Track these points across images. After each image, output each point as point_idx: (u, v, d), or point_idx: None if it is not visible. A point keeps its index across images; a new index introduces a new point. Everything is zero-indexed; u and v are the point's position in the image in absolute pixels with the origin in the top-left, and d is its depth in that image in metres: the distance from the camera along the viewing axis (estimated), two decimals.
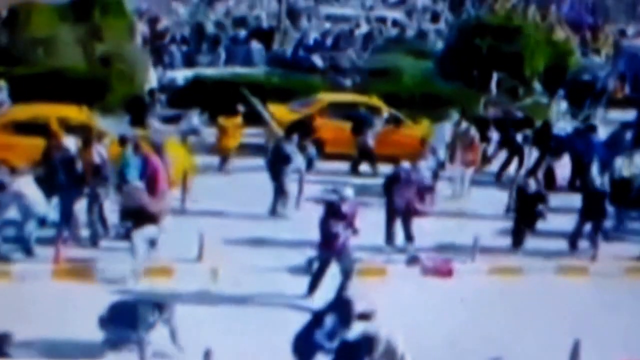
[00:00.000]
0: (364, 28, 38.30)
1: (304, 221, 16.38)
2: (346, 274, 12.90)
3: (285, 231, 15.81)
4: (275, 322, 12.27)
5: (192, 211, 16.33)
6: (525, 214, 15.64)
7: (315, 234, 14.73)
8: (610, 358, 11.38)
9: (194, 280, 13.41)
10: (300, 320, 12.20)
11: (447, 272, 14.59)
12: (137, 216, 13.52)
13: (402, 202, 15.06)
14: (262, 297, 13.14)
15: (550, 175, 19.76)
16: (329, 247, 12.88)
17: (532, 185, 15.88)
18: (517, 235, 15.75)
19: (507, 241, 15.88)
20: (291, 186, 17.06)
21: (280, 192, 16.83)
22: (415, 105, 23.17)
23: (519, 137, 20.76)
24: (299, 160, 17.26)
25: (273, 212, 16.79)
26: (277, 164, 16.78)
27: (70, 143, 16.00)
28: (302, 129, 19.31)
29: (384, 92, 22.89)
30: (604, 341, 12.05)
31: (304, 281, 13.77)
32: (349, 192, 13.26)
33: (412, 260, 14.77)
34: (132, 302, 11.26)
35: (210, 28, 35.29)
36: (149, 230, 13.52)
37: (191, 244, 14.23)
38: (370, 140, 20.02)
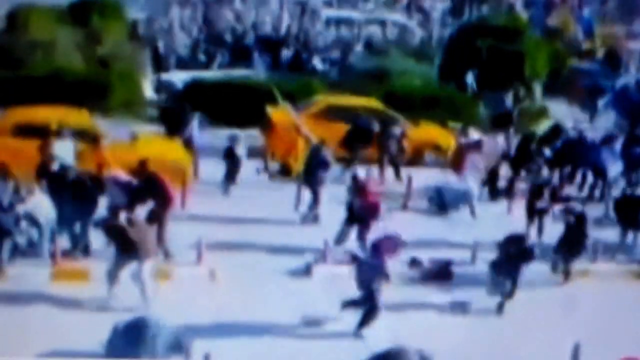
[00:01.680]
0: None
1: (304, 226, 16.40)
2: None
3: (284, 235, 15.73)
4: (275, 325, 12.25)
5: (191, 215, 16.28)
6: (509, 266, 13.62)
7: (315, 239, 14.78)
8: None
9: (192, 283, 13.35)
10: (300, 322, 12.26)
11: (447, 275, 14.54)
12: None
13: (359, 208, 15.07)
14: (261, 300, 13.09)
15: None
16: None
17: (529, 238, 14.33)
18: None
19: None
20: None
21: (314, 198, 16.62)
22: (414, 107, 23.09)
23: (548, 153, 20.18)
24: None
25: (310, 217, 16.63)
26: (314, 170, 16.57)
27: (69, 146, 16.02)
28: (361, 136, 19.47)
29: (383, 94, 22.86)
30: (606, 343, 11.99)
31: (303, 285, 13.81)
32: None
33: (413, 263, 14.70)
34: (152, 330, 10.81)
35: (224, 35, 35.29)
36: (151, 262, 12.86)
37: (190, 248, 14.17)
38: (393, 147, 19.66)
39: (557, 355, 11.58)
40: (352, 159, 19.58)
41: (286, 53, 31.87)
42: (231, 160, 18.17)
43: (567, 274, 14.88)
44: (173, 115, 20.13)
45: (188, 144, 18.93)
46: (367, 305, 12.27)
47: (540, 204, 16.21)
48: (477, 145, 19.17)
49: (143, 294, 12.35)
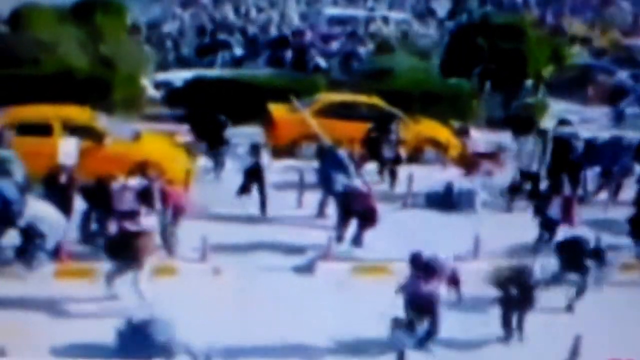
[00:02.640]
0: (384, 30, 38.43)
1: (307, 223, 16.44)
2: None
3: (287, 234, 15.75)
4: (277, 322, 12.28)
5: (195, 212, 16.31)
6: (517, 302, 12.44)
7: (317, 235, 14.81)
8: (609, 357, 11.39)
9: (196, 279, 13.41)
10: (301, 319, 12.29)
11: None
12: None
13: (357, 213, 15.08)
14: (263, 297, 13.14)
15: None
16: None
17: (537, 271, 12.46)
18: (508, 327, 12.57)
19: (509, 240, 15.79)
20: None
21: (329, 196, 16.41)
22: (416, 105, 23.11)
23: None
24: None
25: (320, 213, 16.62)
26: (328, 172, 16.30)
27: (72, 144, 16.06)
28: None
29: (384, 91, 22.90)
30: (603, 341, 12.00)
31: (306, 281, 13.87)
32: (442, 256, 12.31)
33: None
34: (150, 328, 11.03)
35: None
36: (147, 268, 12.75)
37: (194, 245, 14.20)
38: (388, 152, 19.11)
39: (555, 351, 11.59)
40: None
41: (289, 51, 31.95)
42: (258, 181, 16.70)
43: (580, 292, 13.68)
44: (207, 126, 19.25)
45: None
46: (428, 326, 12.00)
47: (550, 212, 15.34)
48: (492, 157, 18.98)
49: (141, 300, 12.24)
